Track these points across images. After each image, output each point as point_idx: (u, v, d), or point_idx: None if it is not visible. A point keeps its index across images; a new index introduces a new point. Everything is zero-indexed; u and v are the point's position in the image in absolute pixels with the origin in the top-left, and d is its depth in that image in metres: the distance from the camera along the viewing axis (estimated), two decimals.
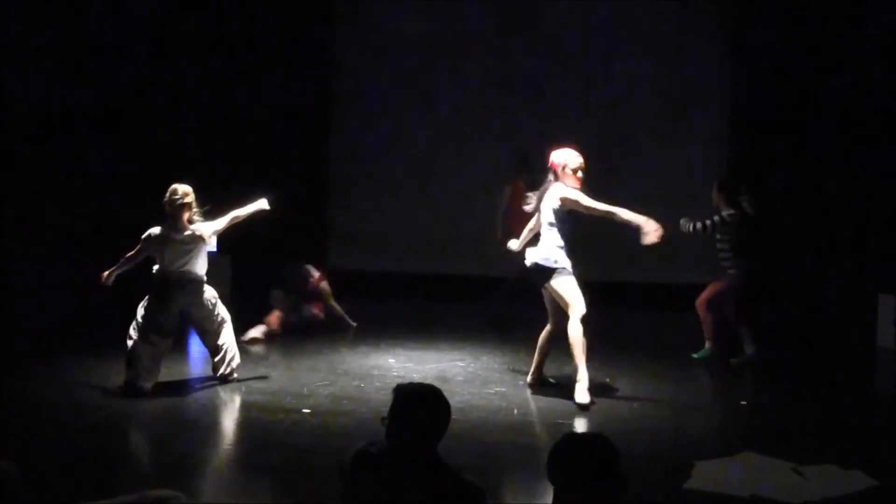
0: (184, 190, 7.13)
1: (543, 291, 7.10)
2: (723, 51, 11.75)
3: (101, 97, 11.49)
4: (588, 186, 7.77)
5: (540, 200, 7.11)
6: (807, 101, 11.03)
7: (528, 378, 7.43)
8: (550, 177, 7.06)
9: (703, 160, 11.69)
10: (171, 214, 7.11)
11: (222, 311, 7.44)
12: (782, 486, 5.12)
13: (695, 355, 8.59)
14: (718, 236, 8.37)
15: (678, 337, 9.32)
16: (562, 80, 12.12)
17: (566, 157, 7.05)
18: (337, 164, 12.86)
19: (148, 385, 7.02)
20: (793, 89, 11.11)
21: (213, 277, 11.96)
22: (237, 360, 7.51)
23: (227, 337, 7.44)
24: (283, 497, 4.82)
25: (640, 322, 8.75)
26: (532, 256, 7.05)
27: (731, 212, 8.30)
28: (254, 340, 9.11)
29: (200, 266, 7.25)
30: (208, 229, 7.19)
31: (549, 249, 6.96)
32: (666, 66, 11.92)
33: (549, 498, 2.80)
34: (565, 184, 7.00)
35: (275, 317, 9.57)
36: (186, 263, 7.12)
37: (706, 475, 5.27)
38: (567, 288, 6.89)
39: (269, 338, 9.26)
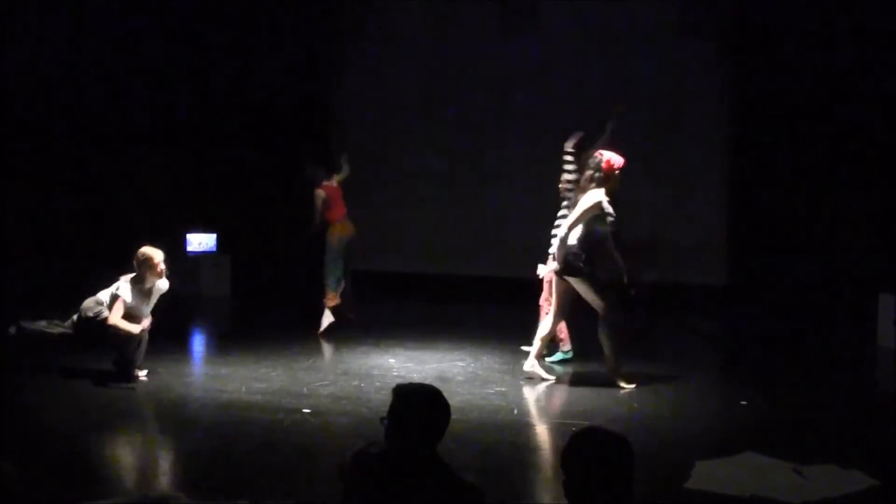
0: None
1: (564, 283, 7.21)
2: (723, 51, 11.74)
3: (105, 98, 11.50)
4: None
5: None
6: (807, 101, 11.03)
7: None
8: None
9: (703, 160, 11.67)
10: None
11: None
12: (782, 486, 5.12)
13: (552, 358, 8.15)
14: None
15: (678, 337, 9.32)
16: (562, 80, 12.11)
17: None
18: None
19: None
20: (793, 90, 11.10)
21: (213, 277, 12.08)
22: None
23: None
24: (283, 497, 4.82)
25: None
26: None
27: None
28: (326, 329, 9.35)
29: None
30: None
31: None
32: (666, 66, 11.91)
33: (548, 498, 2.80)
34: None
35: (330, 298, 9.49)
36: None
37: (706, 475, 5.27)
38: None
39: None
